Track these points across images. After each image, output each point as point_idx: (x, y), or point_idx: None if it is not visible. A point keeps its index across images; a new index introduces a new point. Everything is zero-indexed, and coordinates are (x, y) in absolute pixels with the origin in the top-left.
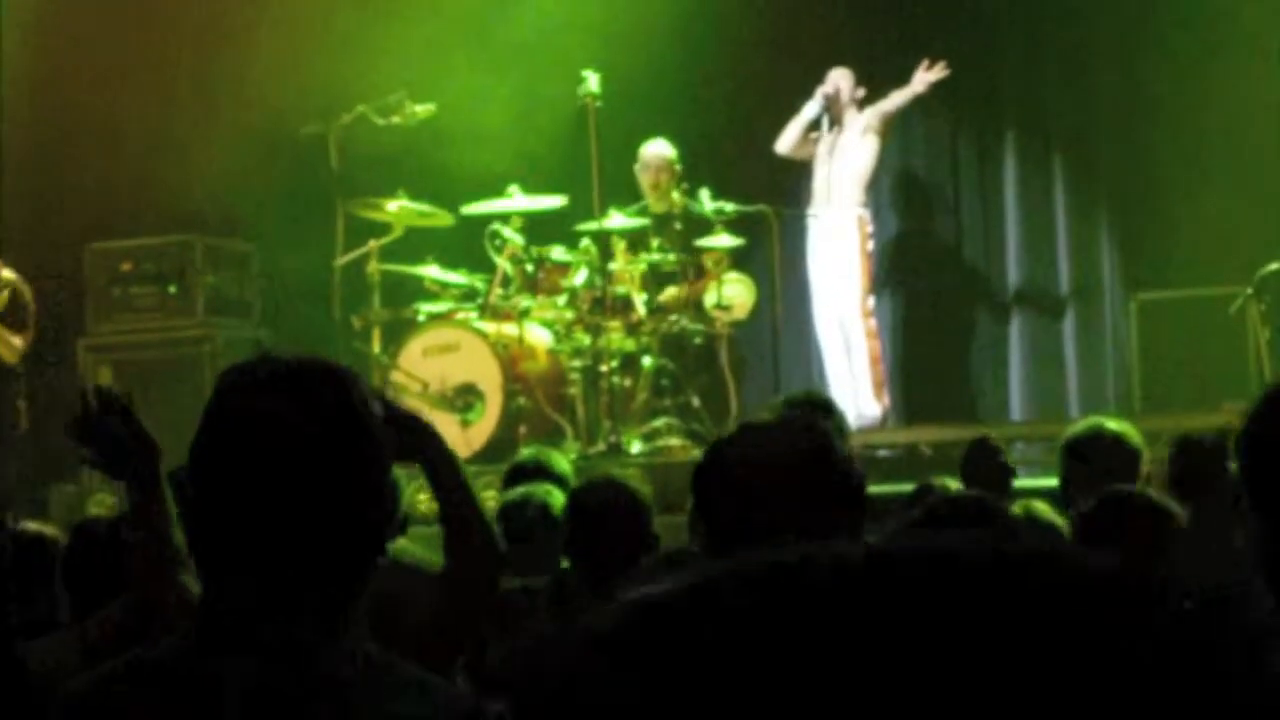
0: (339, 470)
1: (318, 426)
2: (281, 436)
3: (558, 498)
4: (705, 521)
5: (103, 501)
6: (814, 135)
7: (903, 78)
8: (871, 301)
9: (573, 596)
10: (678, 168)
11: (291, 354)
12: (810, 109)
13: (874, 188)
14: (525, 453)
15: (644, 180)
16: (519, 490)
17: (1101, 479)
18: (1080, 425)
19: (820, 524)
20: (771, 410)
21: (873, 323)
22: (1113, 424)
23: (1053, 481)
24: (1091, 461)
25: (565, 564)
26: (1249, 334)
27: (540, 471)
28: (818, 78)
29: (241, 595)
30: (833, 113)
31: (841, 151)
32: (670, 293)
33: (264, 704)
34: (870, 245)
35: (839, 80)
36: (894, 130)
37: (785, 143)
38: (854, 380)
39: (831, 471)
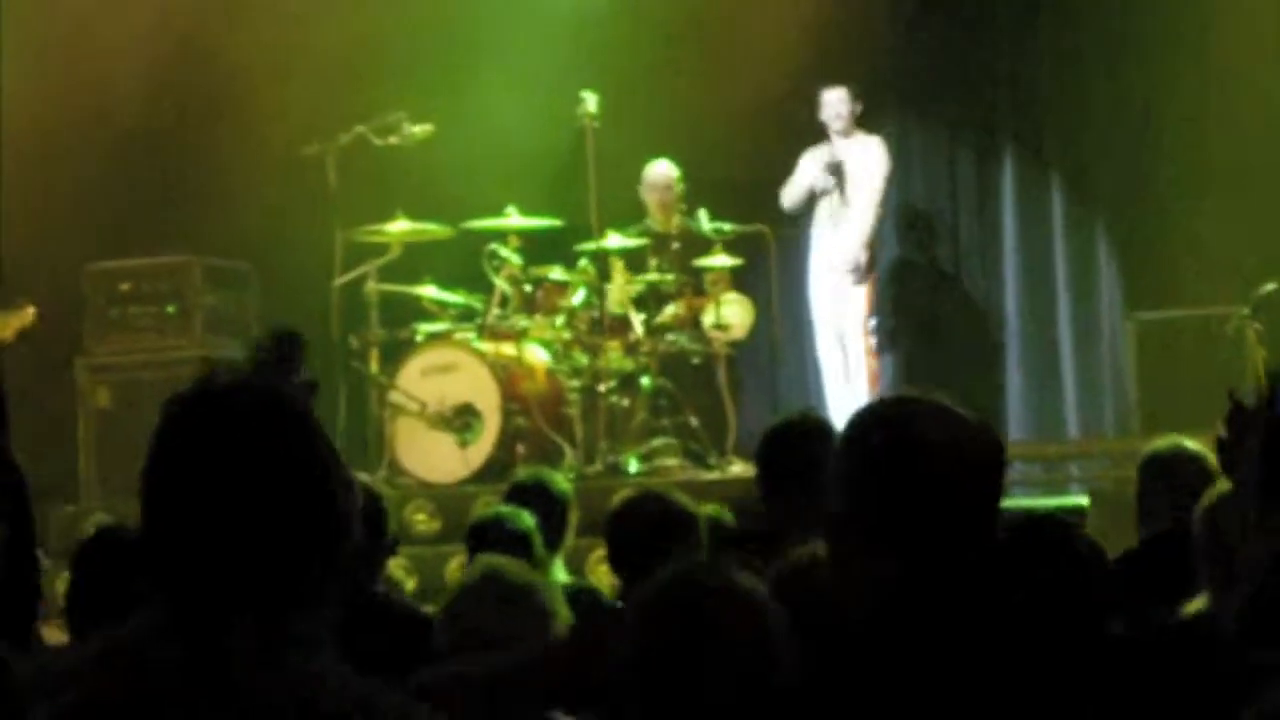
0: (281, 493)
1: (258, 453)
2: (222, 465)
3: (526, 519)
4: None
5: (99, 522)
6: (820, 183)
7: (901, 94)
8: (873, 322)
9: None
10: (680, 188)
11: (237, 377)
12: (807, 177)
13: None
14: (524, 473)
15: (650, 200)
16: (491, 510)
17: (1179, 497)
18: (1161, 443)
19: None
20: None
21: (873, 342)
22: (1192, 444)
23: (1050, 501)
24: (1172, 479)
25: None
26: (1246, 354)
27: (540, 491)
28: (815, 95)
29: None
30: (830, 144)
31: (848, 174)
32: (669, 313)
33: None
34: (874, 270)
35: (832, 102)
36: (892, 152)
37: (789, 199)
38: (854, 400)
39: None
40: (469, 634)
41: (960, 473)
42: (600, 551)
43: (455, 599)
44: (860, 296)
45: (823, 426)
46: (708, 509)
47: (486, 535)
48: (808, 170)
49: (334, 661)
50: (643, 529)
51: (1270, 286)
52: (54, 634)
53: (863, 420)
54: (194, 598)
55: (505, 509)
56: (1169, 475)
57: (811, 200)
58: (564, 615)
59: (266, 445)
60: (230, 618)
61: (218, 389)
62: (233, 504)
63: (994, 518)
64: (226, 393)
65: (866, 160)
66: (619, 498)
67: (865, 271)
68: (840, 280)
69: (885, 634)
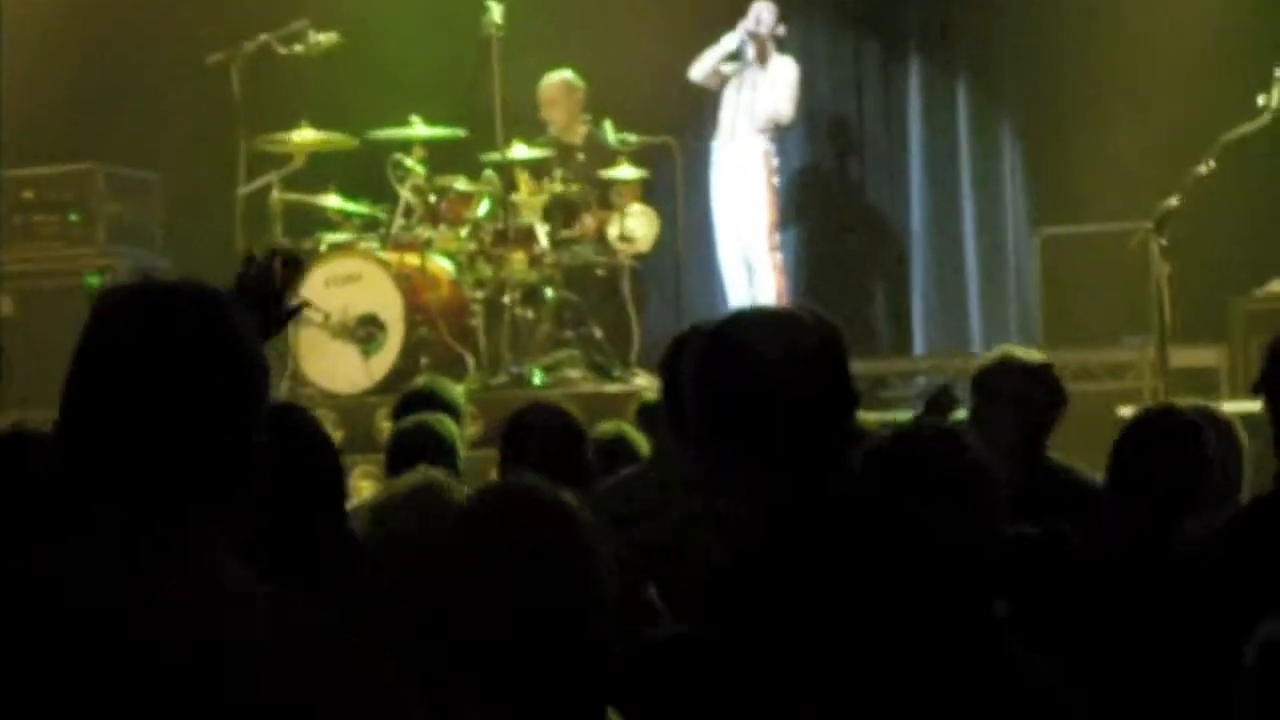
0: (208, 391)
1: (188, 349)
2: (150, 359)
3: (450, 426)
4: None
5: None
6: (728, 67)
7: (820, 3)
8: (777, 236)
9: None
10: (579, 95)
11: (170, 278)
12: (730, 40)
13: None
14: (417, 382)
15: (549, 114)
16: (412, 418)
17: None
18: (989, 356)
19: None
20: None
21: (778, 257)
22: (1021, 353)
23: (956, 414)
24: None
25: None
26: (1150, 269)
27: (431, 400)
28: (732, 9)
29: (111, 519)
30: (754, 46)
31: (754, 86)
32: (574, 225)
33: (160, 617)
34: (775, 179)
35: (761, 12)
36: (797, 60)
37: (699, 70)
38: None
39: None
40: (390, 544)
41: (790, 376)
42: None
43: (383, 509)
44: (762, 209)
45: None
46: (607, 426)
47: (410, 443)
48: (723, 43)
49: (240, 567)
50: (533, 442)
51: (1174, 201)
52: None
53: (702, 335)
54: (111, 495)
55: (429, 416)
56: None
57: (715, 107)
58: None
59: (196, 343)
60: (145, 521)
61: (150, 286)
62: (159, 400)
63: (842, 424)
64: (159, 289)
65: (780, 73)
66: (513, 412)
67: (767, 169)
68: (741, 193)
69: (774, 550)
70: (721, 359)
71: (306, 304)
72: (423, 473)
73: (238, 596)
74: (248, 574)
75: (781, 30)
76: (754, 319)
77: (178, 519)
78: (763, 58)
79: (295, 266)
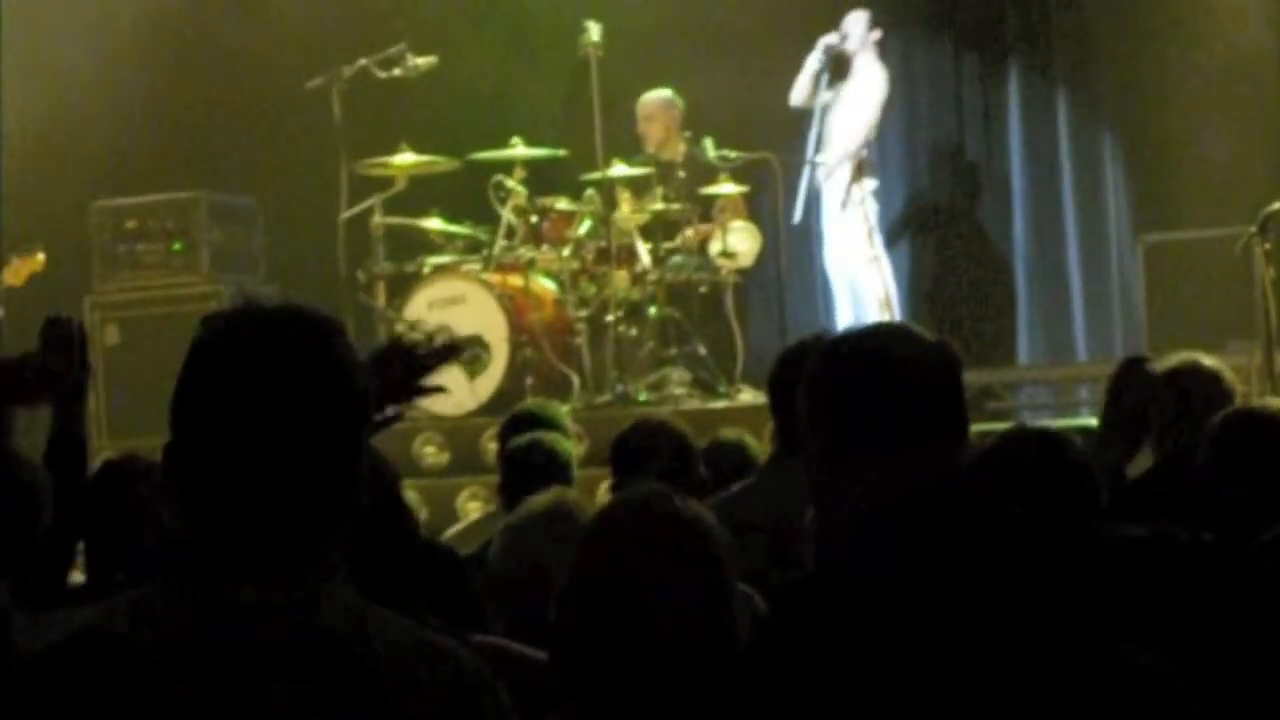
0: (315, 419)
1: (295, 373)
2: (259, 383)
3: (564, 444)
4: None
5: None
6: (824, 90)
7: (919, 16)
8: (879, 244)
9: None
10: (678, 112)
11: (275, 302)
12: (812, 61)
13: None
14: (524, 403)
15: (647, 130)
16: (525, 436)
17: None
18: (1175, 359)
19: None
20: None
21: (883, 265)
22: (1208, 360)
23: (1061, 422)
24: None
25: None
26: (1254, 273)
27: (538, 420)
28: (824, 22)
29: (220, 547)
30: (840, 60)
31: (845, 98)
32: (676, 241)
33: (261, 658)
34: (870, 185)
35: (850, 25)
36: (896, 74)
37: (797, 95)
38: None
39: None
40: (530, 567)
41: (918, 383)
42: (609, 481)
43: (516, 529)
44: (855, 219)
45: None
46: (730, 433)
47: (524, 462)
48: (808, 64)
49: (353, 594)
50: (640, 458)
51: (1276, 205)
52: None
53: (826, 347)
54: (224, 529)
55: (543, 434)
56: (1184, 391)
57: (820, 123)
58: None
59: (300, 367)
60: (278, 548)
61: (253, 310)
62: (264, 426)
63: (959, 430)
64: (262, 314)
65: (865, 83)
66: (623, 428)
67: (858, 185)
68: (835, 207)
69: (871, 545)
70: (850, 361)
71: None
72: (557, 492)
73: (336, 637)
74: (352, 600)
75: (876, 36)
76: (875, 328)
77: (292, 549)
78: (841, 73)
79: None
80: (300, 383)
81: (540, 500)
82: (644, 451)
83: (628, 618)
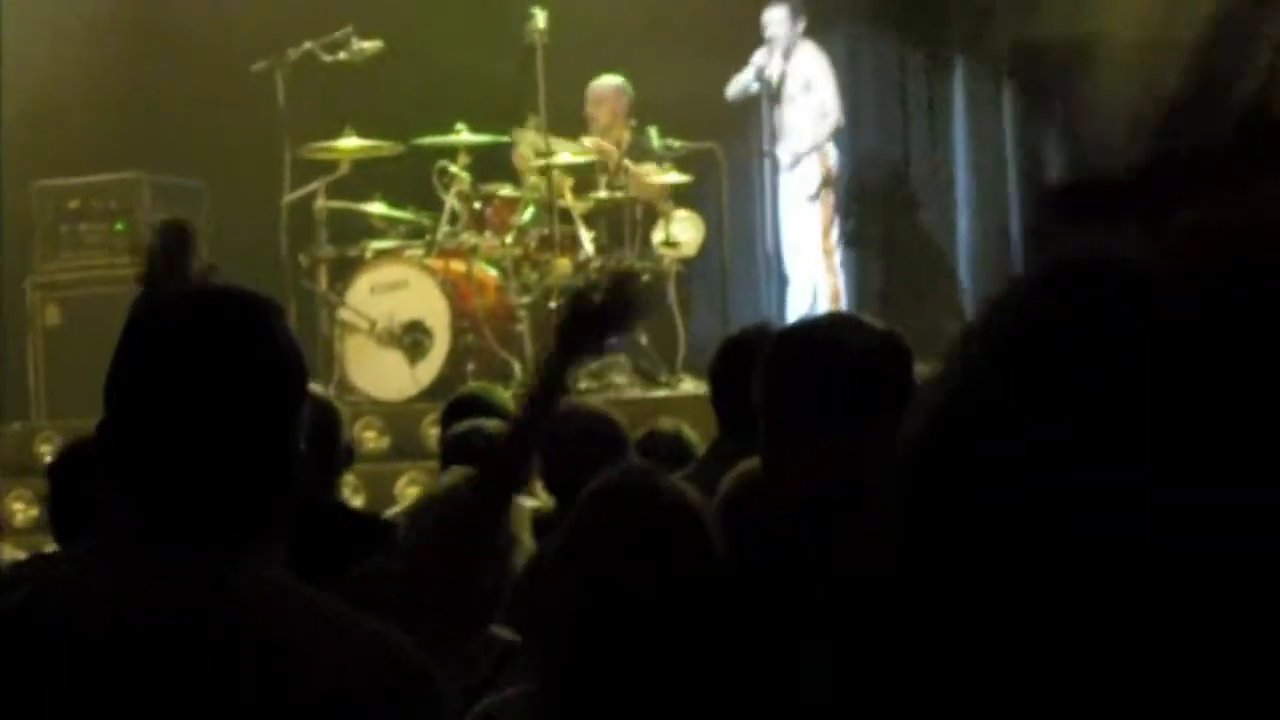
0: (246, 397)
1: (227, 352)
2: (189, 361)
3: (502, 430)
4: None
5: (50, 439)
6: (756, 87)
7: (865, 13)
8: (835, 236)
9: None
10: (627, 100)
11: (211, 285)
12: (746, 76)
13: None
14: (465, 388)
15: (595, 113)
16: (466, 422)
17: None
18: None
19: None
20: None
21: (835, 259)
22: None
23: None
24: None
25: None
26: None
27: (479, 406)
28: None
29: (147, 515)
30: (773, 58)
31: (792, 93)
32: (619, 230)
33: (169, 619)
34: (831, 181)
35: (772, 24)
36: (842, 70)
37: (731, 91)
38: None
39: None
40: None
41: (868, 367)
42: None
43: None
44: (813, 213)
45: None
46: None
47: (466, 446)
48: (751, 68)
49: (280, 571)
50: (571, 445)
51: None
52: (9, 551)
53: (781, 334)
54: (150, 500)
55: (483, 420)
56: None
57: (768, 113)
58: (526, 541)
59: (234, 348)
60: (208, 520)
61: (189, 291)
62: (197, 405)
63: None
64: (197, 295)
65: (810, 74)
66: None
67: (819, 185)
68: (791, 197)
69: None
70: (804, 347)
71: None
72: (462, 474)
73: (245, 609)
74: (275, 575)
75: (801, 25)
76: (829, 318)
77: (216, 522)
78: (786, 61)
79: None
80: (232, 362)
81: (449, 481)
82: (574, 439)
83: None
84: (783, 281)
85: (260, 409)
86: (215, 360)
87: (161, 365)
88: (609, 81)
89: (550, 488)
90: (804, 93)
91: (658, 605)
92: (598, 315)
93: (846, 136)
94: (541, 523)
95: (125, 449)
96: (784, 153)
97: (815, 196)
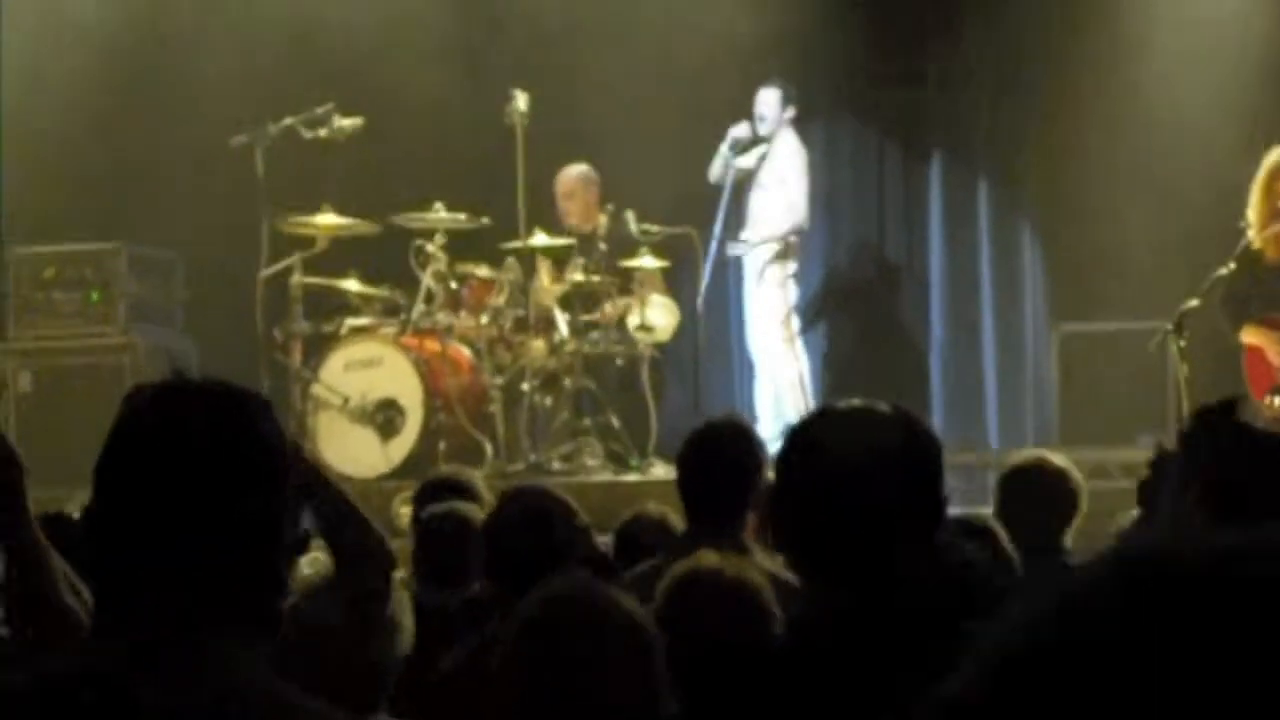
0: (232, 493)
1: (219, 450)
2: (183, 457)
3: (478, 514)
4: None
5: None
6: (738, 162)
7: (835, 96)
8: (796, 325)
9: (487, 612)
10: (596, 186)
11: (202, 377)
12: (723, 148)
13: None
14: (440, 470)
15: (567, 207)
16: (440, 506)
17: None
18: (1020, 457)
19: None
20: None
21: (797, 347)
22: (1056, 459)
23: (974, 510)
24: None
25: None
26: (1168, 369)
27: (453, 488)
28: (749, 98)
29: (136, 614)
30: (755, 137)
31: (764, 180)
32: (595, 314)
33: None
34: (791, 269)
35: (762, 105)
36: (819, 158)
37: (714, 173)
38: (772, 402)
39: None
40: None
41: (869, 480)
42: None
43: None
44: (775, 300)
45: (744, 430)
46: (653, 508)
47: (439, 530)
48: (727, 139)
49: (263, 673)
50: (515, 534)
51: (1193, 303)
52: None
53: (787, 445)
54: (134, 588)
55: (459, 504)
56: (1031, 490)
57: (742, 200)
58: (407, 626)
59: (220, 443)
60: (164, 622)
61: (181, 384)
62: (183, 499)
63: (924, 531)
64: (186, 389)
65: (784, 165)
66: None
67: (770, 270)
68: (755, 285)
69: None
70: (802, 460)
71: None
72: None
73: (215, 702)
74: (266, 675)
75: (790, 115)
76: (839, 418)
77: (200, 619)
78: (768, 144)
79: None
80: (219, 458)
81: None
82: (521, 527)
83: (565, 709)
84: (753, 367)
85: (246, 503)
86: (202, 455)
87: (149, 459)
88: (574, 172)
89: (490, 573)
90: (778, 185)
91: None
92: None
93: (822, 221)
94: (476, 605)
95: (110, 541)
96: (746, 238)
97: (761, 279)
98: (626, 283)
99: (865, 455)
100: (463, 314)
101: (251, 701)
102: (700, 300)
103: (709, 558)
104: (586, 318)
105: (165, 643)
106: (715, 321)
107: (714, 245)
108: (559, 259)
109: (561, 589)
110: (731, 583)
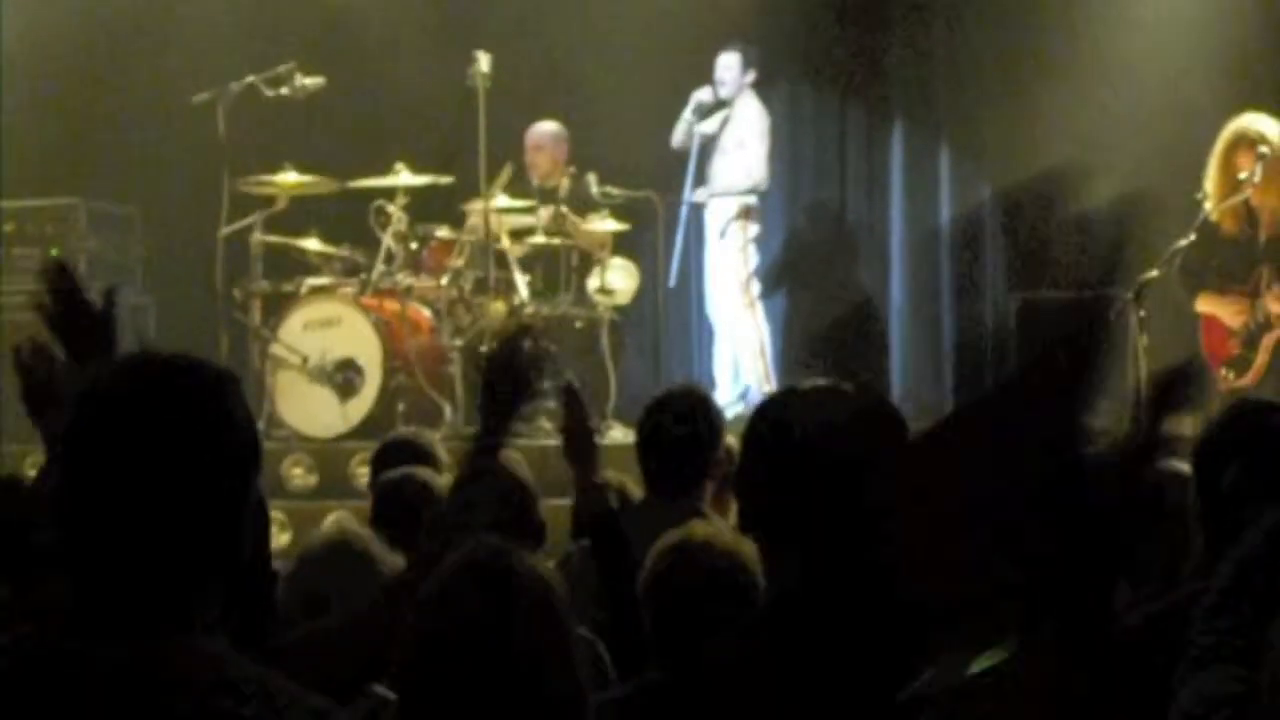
0: (197, 473)
1: (180, 427)
2: (140, 435)
3: (437, 480)
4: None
5: (38, 464)
6: (701, 127)
7: (796, 62)
8: (756, 290)
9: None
10: (566, 146)
11: (168, 354)
12: (686, 112)
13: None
14: (397, 432)
15: (535, 159)
16: (398, 471)
17: None
18: None
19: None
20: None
21: (758, 311)
22: None
23: None
24: None
25: None
26: (1128, 339)
27: (411, 450)
28: (711, 62)
29: (100, 587)
30: (718, 101)
31: (724, 144)
32: (554, 276)
33: (124, 694)
34: (753, 232)
35: (723, 69)
36: (781, 121)
37: (677, 138)
38: (736, 369)
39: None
40: (310, 598)
41: (827, 457)
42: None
43: (300, 563)
44: (734, 263)
45: (702, 399)
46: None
47: (398, 494)
48: (690, 104)
49: (222, 644)
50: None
51: (1152, 273)
52: None
53: (754, 419)
54: (104, 571)
55: (416, 469)
56: None
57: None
58: None
59: (187, 419)
60: (140, 598)
61: (146, 360)
62: (146, 477)
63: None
64: (152, 365)
65: (744, 127)
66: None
67: (730, 229)
68: (716, 248)
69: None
70: (770, 439)
71: None
72: (340, 522)
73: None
74: (227, 649)
75: (751, 78)
76: (806, 397)
77: (160, 595)
78: (729, 108)
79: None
80: (184, 437)
81: (324, 531)
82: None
83: (469, 675)
84: (712, 331)
85: (211, 484)
86: (168, 432)
87: (110, 439)
88: (546, 128)
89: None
90: (737, 149)
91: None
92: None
93: (784, 185)
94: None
95: (72, 517)
96: (702, 198)
97: (721, 243)
98: (587, 245)
99: (831, 433)
100: (423, 275)
101: (244, 693)
102: (674, 270)
103: (700, 528)
104: (546, 282)
105: (155, 636)
106: (676, 285)
107: (684, 211)
108: (520, 221)
109: (470, 552)
110: (723, 553)
